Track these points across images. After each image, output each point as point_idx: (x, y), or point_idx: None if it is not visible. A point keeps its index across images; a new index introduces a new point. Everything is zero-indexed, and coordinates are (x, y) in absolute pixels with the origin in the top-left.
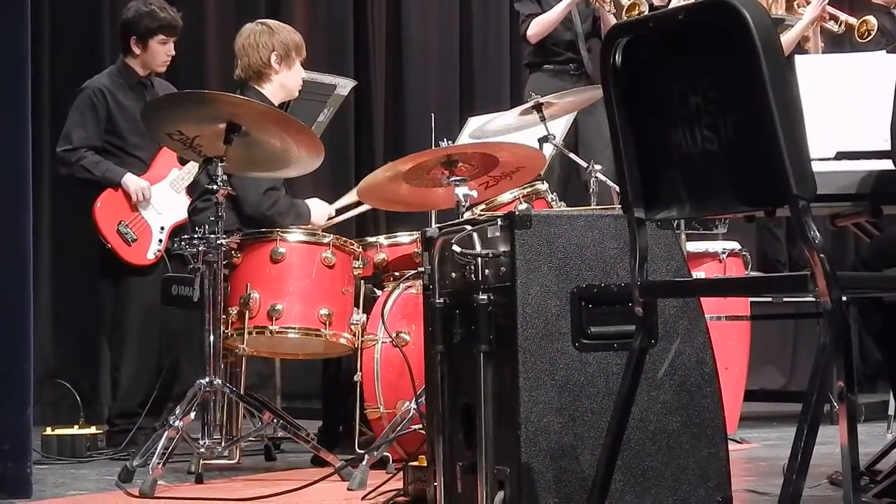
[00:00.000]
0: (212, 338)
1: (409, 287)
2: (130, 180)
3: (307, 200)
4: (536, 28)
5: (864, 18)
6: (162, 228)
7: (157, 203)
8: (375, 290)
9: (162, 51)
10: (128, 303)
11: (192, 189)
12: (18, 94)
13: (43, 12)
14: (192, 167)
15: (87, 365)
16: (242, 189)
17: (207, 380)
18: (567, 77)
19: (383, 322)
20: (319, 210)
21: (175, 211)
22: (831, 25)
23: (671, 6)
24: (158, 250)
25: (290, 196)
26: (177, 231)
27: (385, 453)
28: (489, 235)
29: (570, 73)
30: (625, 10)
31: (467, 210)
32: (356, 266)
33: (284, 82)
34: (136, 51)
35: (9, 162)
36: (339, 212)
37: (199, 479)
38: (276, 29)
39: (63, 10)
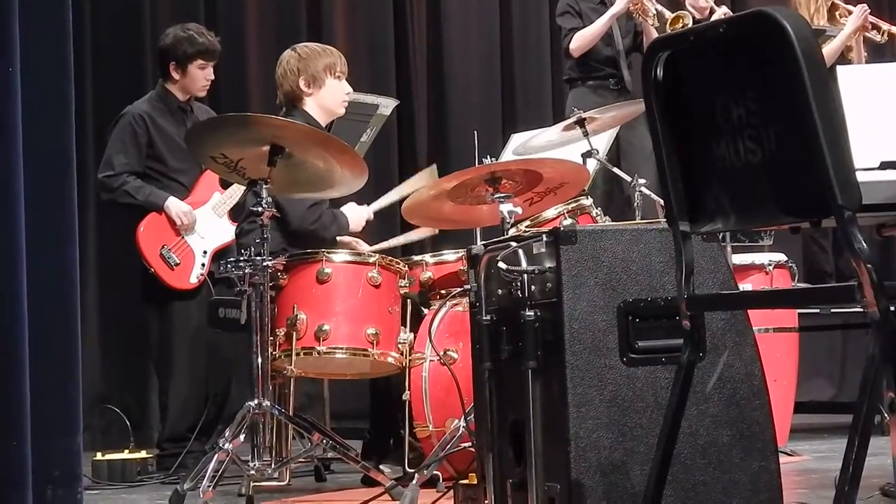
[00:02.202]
0: (259, 360)
1: (456, 305)
2: (173, 204)
3: (342, 208)
4: (579, 42)
5: None
6: (205, 252)
7: (200, 227)
8: (422, 308)
9: (201, 75)
10: (172, 327)
11: (236, 212)
12: (62, 125)
13: (85, 41)
14: (235, 191)
15: (136, 389)
16: (288, 204)
17: (256, 402)
18: (607, 92)
19: (430, 340)
20: (355, 214)
21: (217, 235)
22: (873, 35)
23: (712, 19)
24: (201, 274)
25: (331, 209)
26: (219, 255)
27: (435, 472)
28: (534, 252)
29: (611, 88)
30: (668, 23)
31: (512, 227)
32: (402, 285)
33: (321, 103)
34: (176, 76)
35: (54, 195)
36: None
37: (250, 502)
38: (303, 54)
39: (105, 38)
